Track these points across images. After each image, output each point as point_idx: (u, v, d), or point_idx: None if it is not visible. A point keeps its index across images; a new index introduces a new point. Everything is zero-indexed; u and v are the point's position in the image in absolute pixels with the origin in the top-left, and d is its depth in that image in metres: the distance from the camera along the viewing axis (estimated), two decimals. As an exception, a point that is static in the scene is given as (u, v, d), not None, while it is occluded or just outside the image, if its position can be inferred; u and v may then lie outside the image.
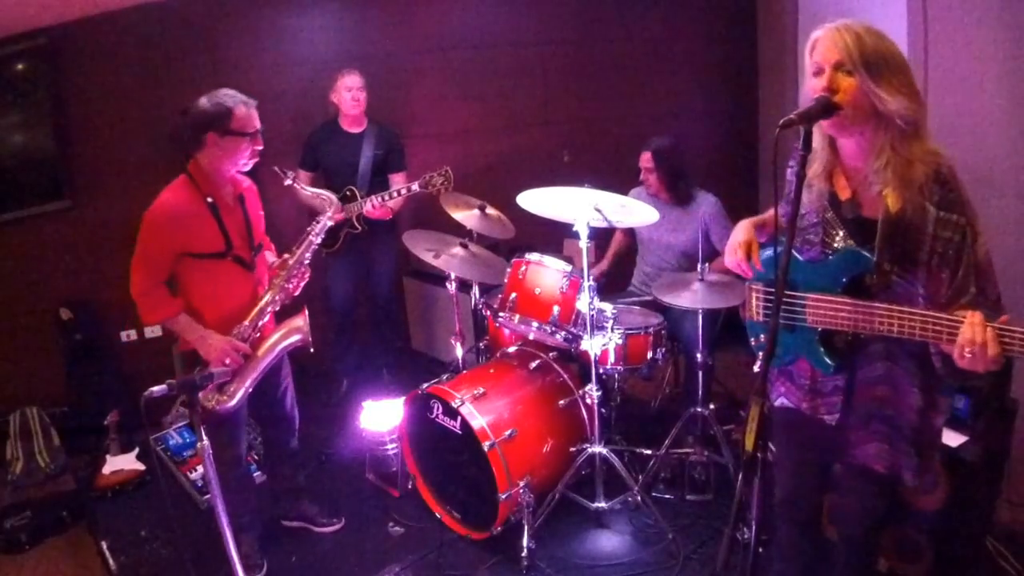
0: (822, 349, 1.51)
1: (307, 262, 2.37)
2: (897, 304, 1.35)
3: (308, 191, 2.53)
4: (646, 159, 3.09)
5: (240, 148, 2.16)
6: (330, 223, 2.40)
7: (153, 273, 2.16)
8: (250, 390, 2.22)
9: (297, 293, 2.38)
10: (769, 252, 1.63)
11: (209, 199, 2.17)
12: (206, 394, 2.16)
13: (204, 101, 2.14)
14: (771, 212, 1.74)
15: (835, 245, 1.51)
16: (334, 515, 2.75)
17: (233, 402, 2.18)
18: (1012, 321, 1.23)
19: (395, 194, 3.29)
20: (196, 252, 2.17)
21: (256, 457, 3.05)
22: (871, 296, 1.42)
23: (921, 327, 1.30)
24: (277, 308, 2.33)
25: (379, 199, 3.28)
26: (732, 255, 1.65)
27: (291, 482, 2.72)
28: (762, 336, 1.68)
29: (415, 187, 3.21)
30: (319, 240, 2.37)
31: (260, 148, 2.23)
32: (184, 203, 2.15)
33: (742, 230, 1.67)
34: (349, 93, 3.36)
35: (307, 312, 2.34)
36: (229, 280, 2.25)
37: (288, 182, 2.43)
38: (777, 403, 1.70)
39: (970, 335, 1.21)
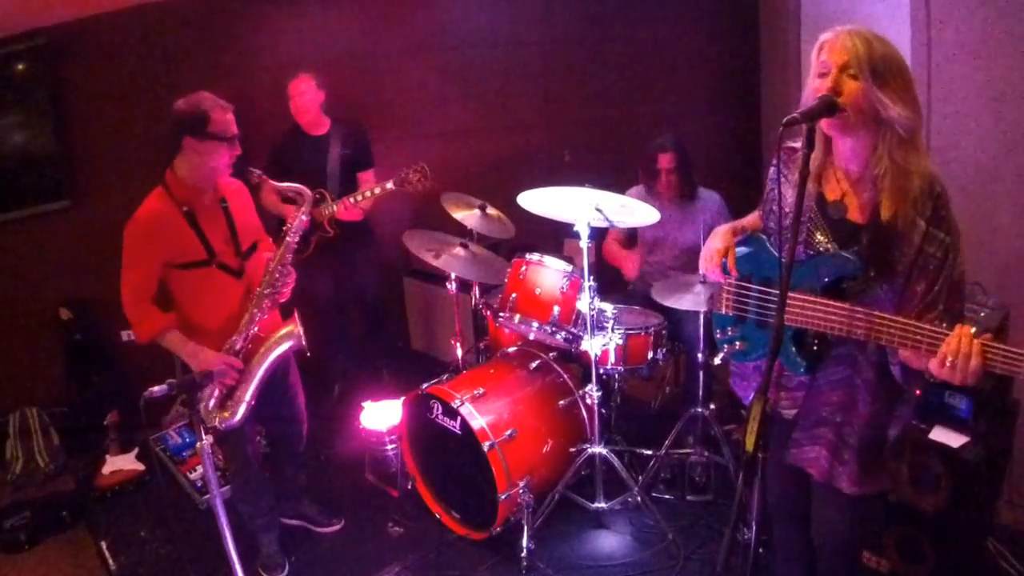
0: (794, 349, 1.52)
1: (288, 263, 2.27)
2: (869, 310, 1.37)
3: (279, 185, 2.36)
4: (668, 159, 2.99)
5: (218, 153, 2.10)
6: (304, 217, 2.28)
7: (139, 286, 2.12)
8: (252, 403, 2.17)
9: (286, 299, 2.31)
10: (743, 249, 1.65)
11: (185, 208, 2.11)
12: (208, 413, 2.12)
13: (181, 104, 2.09)
14: (748, 218, 1.77)
15: (817, 246, 1.51)
16: (334, 516, 2.75)
17: (237, 418, 2.14)
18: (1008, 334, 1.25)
19: (368, 194, 3.17)
20: (178, 263, 2.13)
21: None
22: (845, 300, 1.43)
23: (901, 335, 1.31)
24: (266, 316, 2.25)
25: (351, 199, 3.17)
26: (708, 262, 1.67)
27: (293, 482, 2.71)
28: (729, 329, 1.70)
29: (389, 185, 3.10)
30: (296, 238, 2.27)
31: (238, 154, 2.16)
32: (159, 214, 2.10)
33: (719, 237, 1.69)
34: (292, 101, 3.25)
35: (297, 316, 2.28)
36: (216, 288, 2.20)
37: (256, 181, 2.33)
38: (751, 399, 1.71)
39: (955, 346, 1.24)
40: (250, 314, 2.20)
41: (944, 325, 1.28)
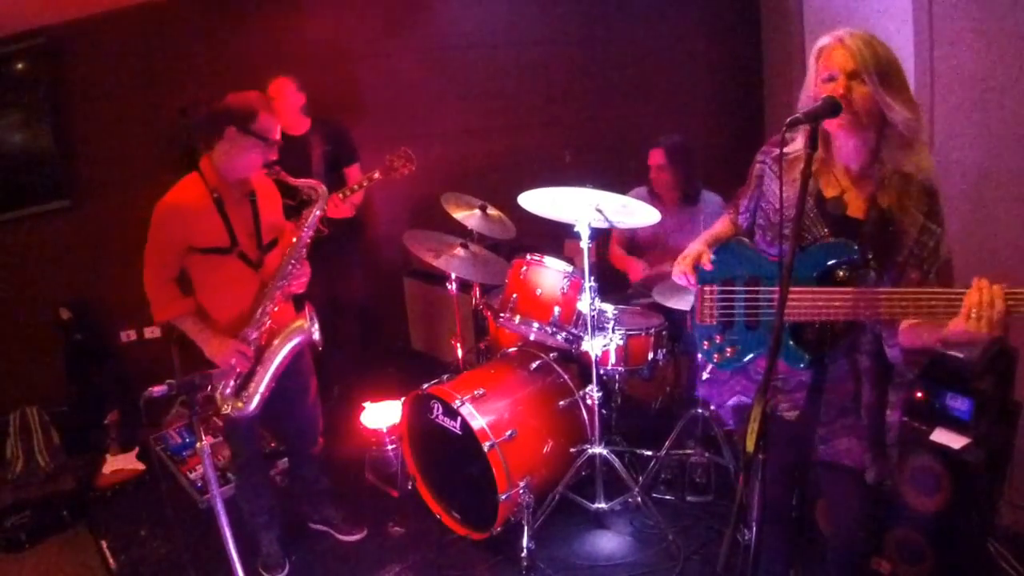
0: (792, 343, 1.51)
1: (302, 257, 2.29)
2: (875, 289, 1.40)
3: (296, 181, 2.34)
4: (657, 156, 3.05)
5: (254, 151, 2.15)
6: (319, 213, 2.29)
7: (162, 267, 2.17)
8: (266, 394, 2.20)
9: (299, 291, 2.33)
10: (722, 254, 1.67)
11: (215, 194, 2.17)
12: (224, 401, 2.17)
13: (233, 96, 2.15)
14: (723, 228, 1.79)
15: (810, 239, 1.52)
16: (356, 525, 2.71)
17: (251, 407, 2.18)
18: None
19: (356, 187, 3.15)
20: (200, 247, 2.16)
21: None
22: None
23: (915, 305, 1.33)
24: (277, 308, 2.27)
25: (340, 195, 3.15)
26: (678, 265, 1.72)
27: (315, 484, 2.71)
28: (716, 337, 1.68)
29: (376, 175, 3.09)
30: (311, 233, 2.29)
31: (272, 159, 2.20)
32: (190, 197, 2.15)
33: (693, 244, 1.74)
34: (279, 100, 3.20)
35: (309, 310, 2.30)
36: (233, 277, 2.24)
37: (273, 177, 2.33)
38: (732, 402, 1.73)
39: (977, 296, 1.25)
40: (263, 306, 2.23)
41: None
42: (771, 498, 1.74)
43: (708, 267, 1.66)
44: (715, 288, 1.67)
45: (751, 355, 1.60)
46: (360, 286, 3.64)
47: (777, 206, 1.54)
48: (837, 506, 1.75)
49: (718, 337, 1.67)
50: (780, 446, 1.65)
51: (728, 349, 1.64)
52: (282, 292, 2.27)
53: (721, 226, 1.80)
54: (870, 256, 1.45)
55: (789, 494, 1.79)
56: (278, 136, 2.18)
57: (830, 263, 1.46)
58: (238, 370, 2.17)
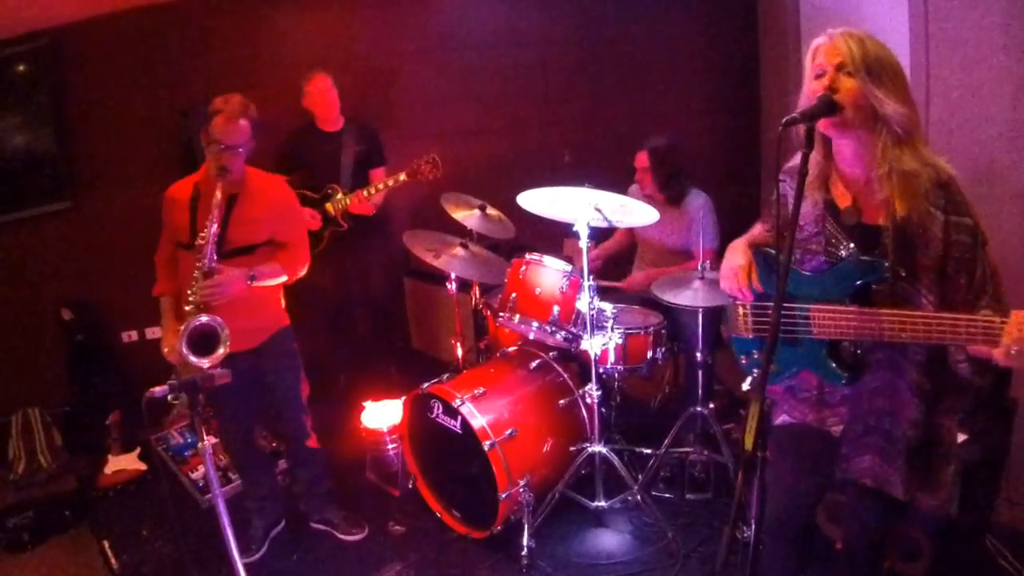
0: (831, 362, 1.49)
1: (204, 267, 2.11)
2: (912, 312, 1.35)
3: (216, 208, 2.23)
4: (642, 159, 3.09)
5: (206, 151, 2.21)
6: (215, 227, 2.13)
7: (161, 246, 2.39)
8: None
9: (219, 301, 2.12)
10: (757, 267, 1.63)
11: (196, 191, 2.25)
12: None
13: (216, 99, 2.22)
14: (755, 232, 1.74)
15: (841, 254, 1.49)
16: (357, 524, 2.72)
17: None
18: None
19: (381, 187, 3.24)
20: (175, 239, 2.31)
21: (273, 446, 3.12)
22: (875, 304, 1.41)
23: (952, 331, 1.28)
24: (201, 319, 2.00)
25: (365, 193, 3.25)
26: (730, 280, 1.64)
27: (317, 486, 2.71)
28: (755, 353, 1.66)
29: (402, 177, 3.17)
30: (205, 243, 2.12)
31: (222, 164, 2.16)
32: (181, 189, 2.29)
33: (739, 253, 1.66)
34: (309, 96, 3.34)
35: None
36: (187, 274, 2.21)
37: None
38: (779, 422, 1.69)
39: (1017, 334, 1.21)
40: (189, 317, 2.05)
41: (998, 317, 1.25)
42: (785, 512, 1.69)
43: (759, 287, 1.61)
44: (746, 303, 1.64)
45: (793, 370, 1.57)
46: (378, 283, 3.71)
47: (802, 223, 1.52)
48: (853, 521, 1.72)
49: (756, 352, 1.65)
50: (817, 463, 1.63)
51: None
52: (197, 306, 2.11)
53: (758, 231, 1.74)
54: (901, 272, 1.40)
55: (811, 515, 1.77)
56: (227, 140, 2.16)
57: (860, 283, 1.43)
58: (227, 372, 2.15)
